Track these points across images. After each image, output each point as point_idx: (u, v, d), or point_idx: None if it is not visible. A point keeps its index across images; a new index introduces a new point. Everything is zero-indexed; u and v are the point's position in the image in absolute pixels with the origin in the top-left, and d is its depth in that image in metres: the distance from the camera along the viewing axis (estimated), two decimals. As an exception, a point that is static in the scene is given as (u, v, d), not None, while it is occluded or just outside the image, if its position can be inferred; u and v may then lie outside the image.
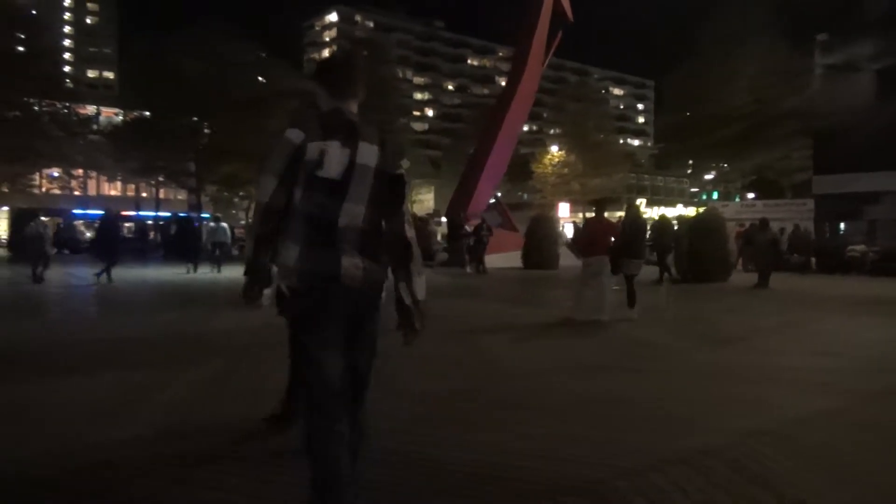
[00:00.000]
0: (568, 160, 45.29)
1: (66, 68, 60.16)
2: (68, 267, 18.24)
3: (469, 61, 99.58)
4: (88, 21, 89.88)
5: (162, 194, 41.56)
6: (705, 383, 4.98)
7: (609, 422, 3.92)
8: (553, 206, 42.41)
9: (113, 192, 44.86)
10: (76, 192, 37.28)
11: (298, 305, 2.28)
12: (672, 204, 56.50)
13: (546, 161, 46.25)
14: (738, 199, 42.49)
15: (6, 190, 29.97)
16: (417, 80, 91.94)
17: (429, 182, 53.08)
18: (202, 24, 29.94)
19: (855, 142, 22.77)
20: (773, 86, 32.90)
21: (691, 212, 34.27)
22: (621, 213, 13.19)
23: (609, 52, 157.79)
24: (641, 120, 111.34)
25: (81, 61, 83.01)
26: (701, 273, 14.53)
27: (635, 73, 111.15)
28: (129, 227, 32.30)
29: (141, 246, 26.02)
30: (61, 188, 34.52)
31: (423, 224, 18.54)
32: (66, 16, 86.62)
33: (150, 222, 36.10)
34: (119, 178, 41.01)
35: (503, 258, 19.33)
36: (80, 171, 36.18)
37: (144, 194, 43.12)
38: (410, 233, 2.38)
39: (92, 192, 42.96)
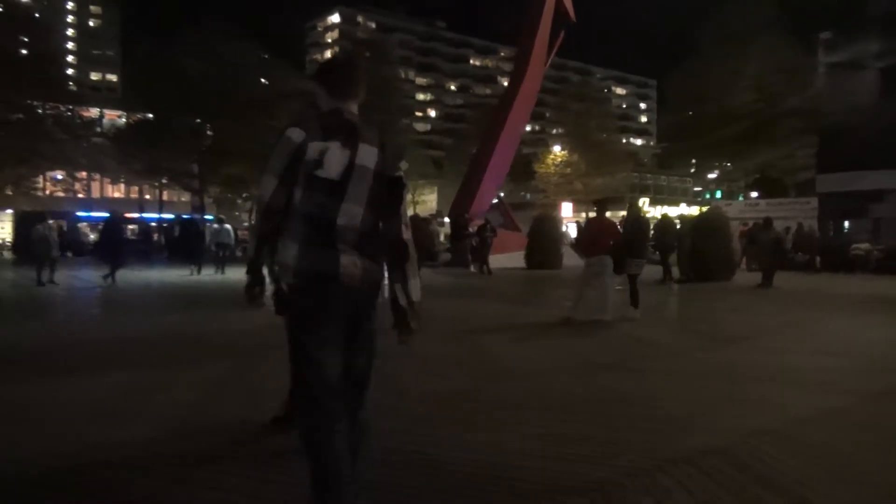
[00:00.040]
0: (571, 160, 45.24)
1: (70, 71, 60.44)
2: (72, 269, 18.29)
3: (471, 61, 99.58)
4: (91, 24, 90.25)
5: (165, 196, 41.63)
6: (708, 383, 4.96)
7: (610, 421, 3.91)
8: (556, 206, 42.37)
9: (116, 195, 45.00)
10: (80, 195, 37.37)
11: (298, 305, 2.29)
12: (675, 203, 56.30)
13: (549, 161, 46.21)
14: (741, 198, 42.34)
15: (10, 192, 30.11)
16: (419, 80, 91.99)
17: (431, 182, 53.05)
18: (205, 26, 30.03)
19: (859, 140, 22.72)
20: (776, 84, 32.84)
21: (694, 211, 34.18)
22: (625, 213, 13.17)
23: (611, 51, 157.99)
24: (644, 119, 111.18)
25: (85, 64, 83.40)
26: (704, 272, 14.47)
27: (638, 73, 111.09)
28: (132, 229, 32.40)
29: (144, 248, 26.07)
30: (65, 190, 34.66)
31: (426, 224, 18.46)
32: (70, 18, 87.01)
33: (153, 224, 36.18)
34: (122, 180, 41.16)
35: (506, 258, 19.32)
36: (84, 174, 36.32)
37: (148, 196, 43.24)
38: (407, 235, 2.40)
39: (95, 194, 43.09)
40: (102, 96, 57.39)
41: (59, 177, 34.40)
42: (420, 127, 76.45)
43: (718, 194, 47.49)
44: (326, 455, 2.21)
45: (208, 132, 32.47)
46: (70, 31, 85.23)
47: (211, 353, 6.13)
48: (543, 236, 19.55)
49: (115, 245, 14.58)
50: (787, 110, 32.83)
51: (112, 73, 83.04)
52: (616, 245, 8.25)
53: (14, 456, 3.28)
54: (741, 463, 3.17)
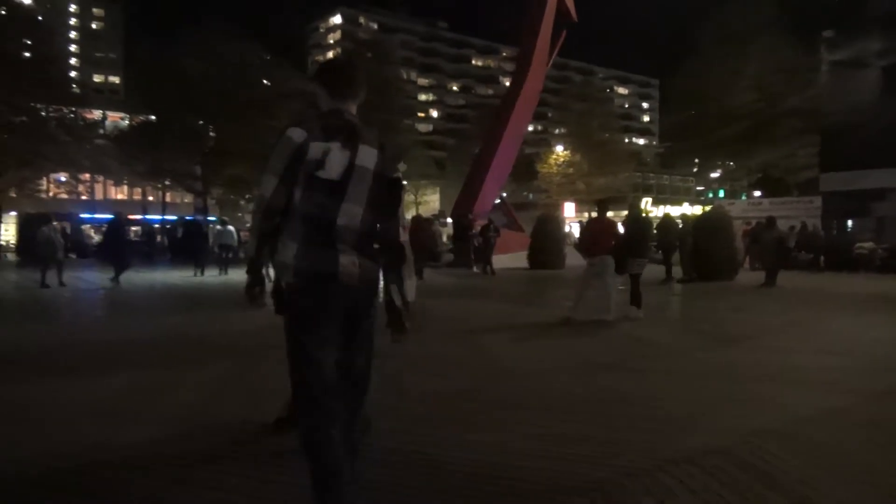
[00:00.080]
0: (573, 160, 45.22)
1: (73, 73, 60.55)
2: (76, 271, 18.33)
3: (473, 62, 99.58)
4: (94, 26, 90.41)
5: (168, 198, 41.72)
6: (710, 382, 4.94)
7: (611, 421, 3.89)
8: (558, 206, 42.40)
9: (119, 196, 45.10)
10: (83, 197, 37.47)
11: (297, 304, 2.29)
12: (678, 203, 56.22)
13: (551, 161, 46.20)
14: (744, 198, 42.26)
15: (14, 195, 30.18)
16: (421, 81, 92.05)
17: (434, 183, 53.06)
18: (207, 27, 30.07)
19: (862, 138, 22.65)
20: (776, 84, 32.78)
21: (697, 211, 34.14)
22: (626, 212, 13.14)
23: (613, 51, 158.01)
24: (646, 119, 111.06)
25: (87, 66, 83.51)
26: (707, 272, 14.43)
27: (640, 72, 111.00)
28: (135, 231, 32.48)
29: (148, 249, 26.15)
30: (68, 192, 34.74)
31: (428, 224, 18.46)
32: (73, 21, 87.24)
33: (156, 226, 36.26)
34: (125, 181, 41.23)
35: (509, 258, 19.31)
36: (87, 176, 36.38)
37: (151, 198, 43.32)
38: (404, 237, 2.44)
39: (99, 196, 43.15)
40: (105, 98, 57.49)
41: (63, 179, 34.48)
42: (422, 127, 76.50)
43: (721, 194, 47.42)
44: (326, 455, 2.22)
45: (211, 133, 32.51)
46: (73, 34, 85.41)
47: (212, 353, 6.14)
48: (546, 236, 19.53)
49: (118, 247, 14.61)
50: (788, 110, 32.78)
51: (114, 75, 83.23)
52: (617, 245, 8.23)
53: (14, 456, 3.28)
54: (743, 462, 3.16)
